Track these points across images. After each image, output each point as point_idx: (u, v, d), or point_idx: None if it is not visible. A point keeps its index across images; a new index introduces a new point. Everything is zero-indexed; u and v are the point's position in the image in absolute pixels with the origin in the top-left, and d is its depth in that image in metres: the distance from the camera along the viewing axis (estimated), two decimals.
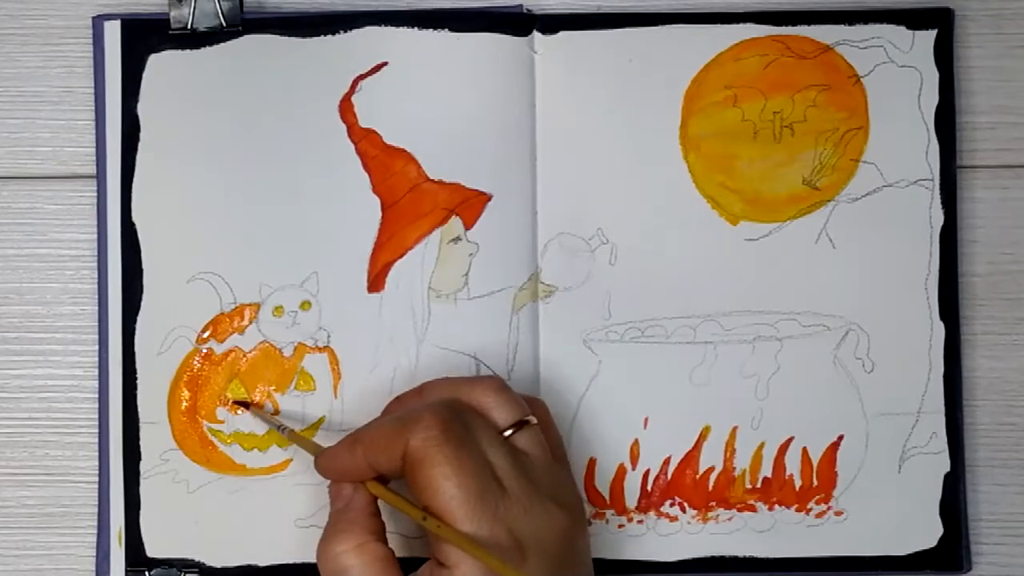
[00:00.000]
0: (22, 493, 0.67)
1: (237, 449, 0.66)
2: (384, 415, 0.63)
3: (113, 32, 0.66)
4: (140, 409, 0.66)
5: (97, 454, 0.66)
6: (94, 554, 0.66)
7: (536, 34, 0.67)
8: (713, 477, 0.67)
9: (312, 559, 0.65)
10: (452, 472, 0.56)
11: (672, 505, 0.67)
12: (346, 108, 0.66)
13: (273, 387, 0.66)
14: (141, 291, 0.66)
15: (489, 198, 0.66)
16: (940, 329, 0.67)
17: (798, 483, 0.67)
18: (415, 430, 0.57)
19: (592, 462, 0.67)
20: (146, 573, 0.66)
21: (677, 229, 0.67)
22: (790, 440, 0.67)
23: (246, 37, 0.66)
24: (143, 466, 0.66)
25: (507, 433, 0.59)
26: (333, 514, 0.60)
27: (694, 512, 0.67)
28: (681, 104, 0.67)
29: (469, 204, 0.66)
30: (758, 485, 0.67)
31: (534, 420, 0.60)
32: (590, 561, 0.60)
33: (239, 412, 0.66)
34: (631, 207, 0.67)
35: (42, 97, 0.67)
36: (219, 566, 0.66)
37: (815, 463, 0.67)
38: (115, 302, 0.66)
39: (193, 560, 0.66)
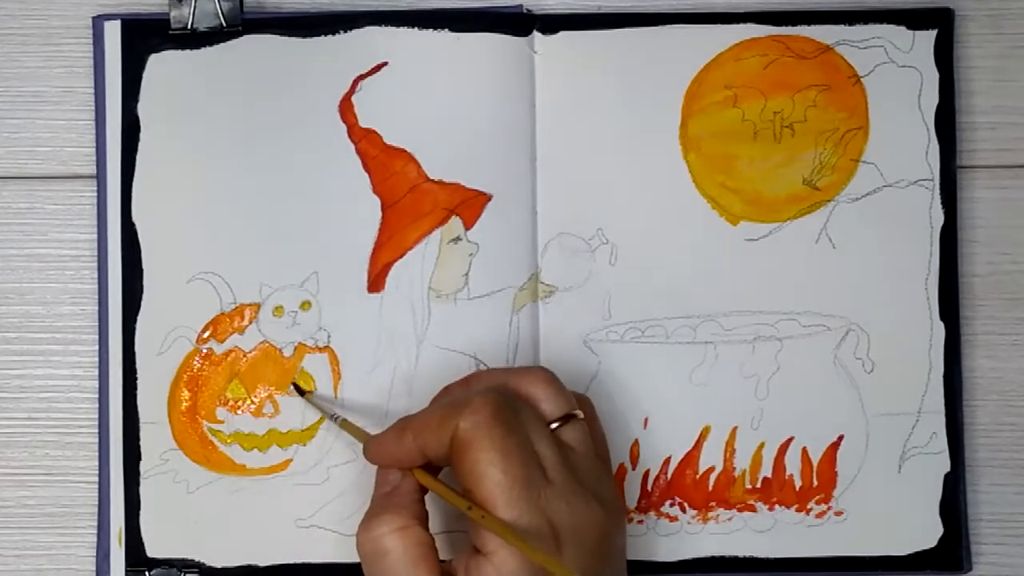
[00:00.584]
0: (22, 493, 0.67)
1: (237, 449, 0.66)
2: (432, 404, 0.63)
3: (113, 32, 0.66)
4: (140, 409, 0.66)
5: (97, 454, 0.66)
6: (94, 554, 0.66)
7: (536, 34, 0.67)
8: (713, 477, 0.67)
9: (312, 559, 0.66)
10: (498, 457, 0.56)
11: (672, 505, 0.67)
12: (346, 108, 0.66)
13: (273, 387, 0.66)
14: (141, 291, 0.66)
15: (489, 198, 0.66)
16: (940, 329, 0.67)
17: (798, 483, 0.67)
18: (464, 413, 0.56)
19: None
20: (146, 573, 0.66)
21: (677, 229, 0.67)
22: (790, 440, 0.67)
23: (246, 37, 0.66)
24: (143, 466, 0.66)
25: (553, 426, 0.59)
26: (377, 497, 0.60)
27: (694, 512, 0.67)
28: (681, 104, 0.67)
29: (469, 204, 0.66)
30: (758, 485, 0.67)
31: (581, 415, 0.60)
32: (624, 560, 0.60)
33: (290, 392, 0.66)
34: (631, 207, 0.67)
35: (42, 97, 0.67)
36: (219, 566, 0.66)
37: (815, 463, 0.67)
38: (115, 302, 0.66)
39: (193, 560, 0.66)
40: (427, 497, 0.60)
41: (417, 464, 0.59)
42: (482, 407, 0.57)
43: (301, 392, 0.66)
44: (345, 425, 0.64)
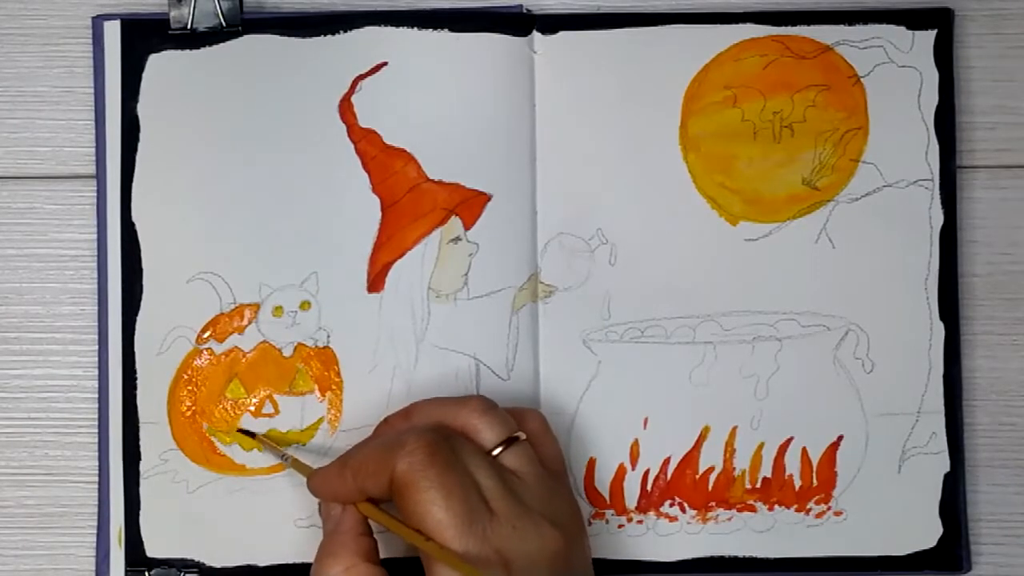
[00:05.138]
0: (22, 493, 0.67)
1: (237, 449, 0.66)
2: (373, 437, 0.63)
3: (113, 32, 0.66)
4: (140, 409, 0.66)
5: (97, 454, 0.66)
6: (94, 554, 0.66)
7: (536, 34, 0.67)
8: (713, 477, 0.67)
9: (312, 559, 0.65)
10: (439, 496, 0.56)
11: (672, 505, 0.67)
12: (346, 108, 0.66)
13: (272, 387, 0.66)
14: (141, 291, 0.66)
15: (489, 198, 0.66)
16: (940, 329, 0.67)
17: (798, 483, 0.67)
18: (400, 455, 0.57)
19: (592, 462, 0.67)
20: (146, 573, 0.66)
21: (677, 229, 0.67)
22: (790, 440, 0.67)
23: (246, 37, 0.67)
24: (143, 466, 0.66)
25: (496, 452, 0.59)
26: (324, 535, 0.60)
27: (694, 512, 0.67)
28: (681, 104, 0.67)
29: (469, 204, 0.66)
30: (758, 485, 0.67)
31: (522, 436, 0.60)
32: (590, 573, 0.60)
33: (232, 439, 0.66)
34: (631, 207, 0.67)
35: (42, 97, 0.68)
36: (219, 566, 0.66)
37: (815, 463, 0.67)
38: (115, 302, 0.66)
39: (193, 560, 0.66)
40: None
41: (360, 499, 0.59)
42: (416, 447, 0.57)
43: (251, 435, 0.66)
44: (295, 464, 0.64)
